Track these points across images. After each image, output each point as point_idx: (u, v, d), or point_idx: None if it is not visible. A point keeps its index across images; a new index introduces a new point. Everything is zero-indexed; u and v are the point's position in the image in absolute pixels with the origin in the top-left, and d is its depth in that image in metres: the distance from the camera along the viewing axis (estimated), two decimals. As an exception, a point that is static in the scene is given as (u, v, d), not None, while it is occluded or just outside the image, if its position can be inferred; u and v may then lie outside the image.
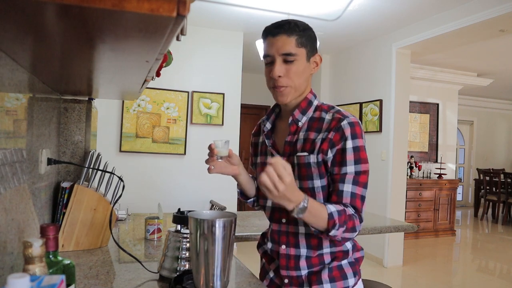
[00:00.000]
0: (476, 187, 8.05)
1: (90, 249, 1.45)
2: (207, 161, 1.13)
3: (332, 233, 1.00)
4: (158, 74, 1.42)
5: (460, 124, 8.22)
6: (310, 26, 1.13)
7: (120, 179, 1.37)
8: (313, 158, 1.08)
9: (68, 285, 0.76)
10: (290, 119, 1.14)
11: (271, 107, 1.27)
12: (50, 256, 0.75)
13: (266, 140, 1.21)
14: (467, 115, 8.67)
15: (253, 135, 1.34)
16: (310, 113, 1.14)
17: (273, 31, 1.08)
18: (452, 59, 5.67)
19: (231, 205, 4.32)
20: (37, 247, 0.64)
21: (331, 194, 1.08)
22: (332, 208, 1.00)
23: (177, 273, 1.12)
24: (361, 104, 4.77)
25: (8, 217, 0.87)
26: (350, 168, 1.05)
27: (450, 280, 4.21)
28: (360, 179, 1.06)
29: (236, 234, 1.30)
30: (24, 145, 1.00)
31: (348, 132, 1.05)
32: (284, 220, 1.16)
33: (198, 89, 4.33)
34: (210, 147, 1.11)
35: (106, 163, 1.69)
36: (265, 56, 1.11)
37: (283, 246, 1.16)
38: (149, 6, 0.44)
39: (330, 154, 1.06)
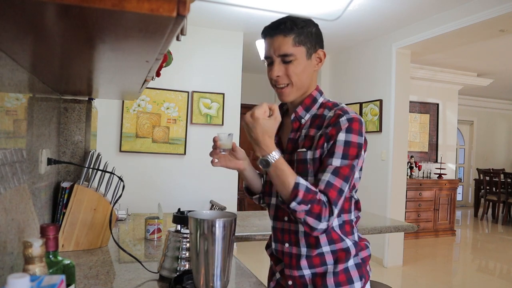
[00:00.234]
0: (476, 187, 8.05)
1: (90, 249, 1.45)
2: (211, 154, 1.14)
3: (293, 205, 0.97)
4: (158, 74, 1.42)
5: (460, 124, 8.22)
6: (312, 21, 1.11)
7: (120, 179, 1.37)
8: (310, 155, 1.07)
9: (68, 285, 0.76)
10: (293, 116, 1.15)
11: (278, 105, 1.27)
12: (50, 256, 0.75)
13: None
14: (467, 115, 8.66)
15: None
16: (314, 110, 1.14)
17: (270, 32, 1.08)
18: (452, 59, 5.67)
19: (231, 205, 4.32)
20: (37, 247, 0.64)
21: None
22: (303, 182, 0.98)
23: (177, 273, 1.12)
24: (361, 104, 4.76)
25: (8, 217, 0.87)
26: (336, 161, 1.02)
27: (450, 280, 4.21)
28: (342, 170, 1.01)
29: (236, 234, 1.30)
30: (24, 145, 1.00)
31: (344, 126, 1.03)
32: (286, 218, 1.16)
33: (198, 89, 4.33)
34: (214, 140, 1.12)
35: (106, 163, 1.69)
36: (265, 57, 1.12)
37: (287, 245, 1.16)
38: (149, 6, 0.44)
39: (325, 148, 1.05)
